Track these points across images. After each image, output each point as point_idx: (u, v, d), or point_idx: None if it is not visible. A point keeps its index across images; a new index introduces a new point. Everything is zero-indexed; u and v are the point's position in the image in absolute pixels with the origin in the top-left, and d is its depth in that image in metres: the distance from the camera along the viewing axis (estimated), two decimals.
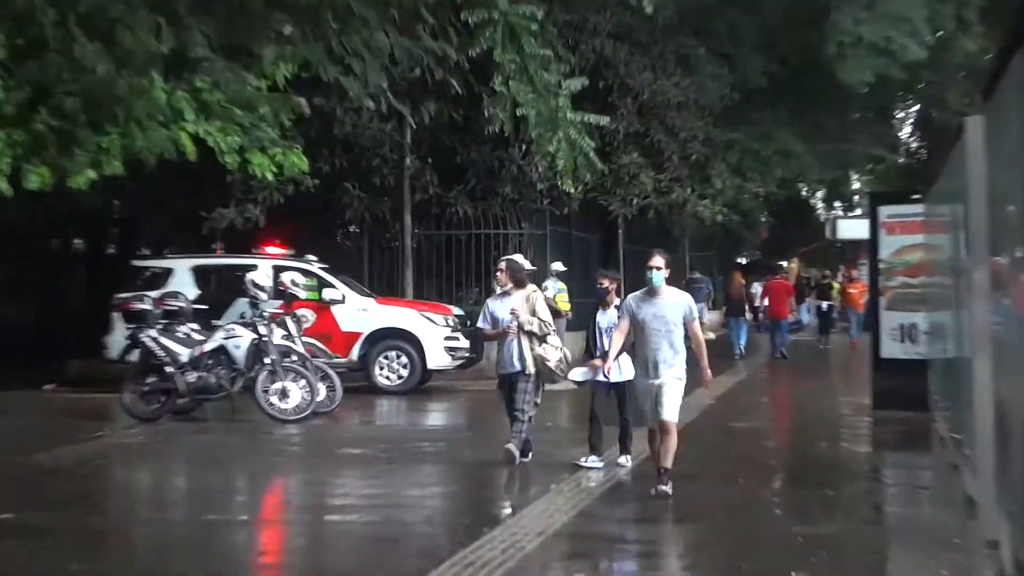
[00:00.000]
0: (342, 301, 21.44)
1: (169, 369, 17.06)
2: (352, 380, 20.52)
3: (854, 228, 42.59)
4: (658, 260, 11.37)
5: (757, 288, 35.72)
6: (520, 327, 12.85)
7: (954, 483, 11.18)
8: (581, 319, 13.80)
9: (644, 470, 12.05)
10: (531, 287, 13.37)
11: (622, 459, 12.88)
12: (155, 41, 13.19)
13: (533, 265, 20.54)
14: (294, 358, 17.43)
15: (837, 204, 58.16)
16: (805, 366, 28.81)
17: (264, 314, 17.48)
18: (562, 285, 24.05)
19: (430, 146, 25.82)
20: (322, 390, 17.44)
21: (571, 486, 11.82)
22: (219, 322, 18.72)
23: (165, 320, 17.63)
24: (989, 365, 8.56)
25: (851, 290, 34.04)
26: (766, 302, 31.76)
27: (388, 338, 21.44)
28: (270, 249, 22.15)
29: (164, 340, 17.28)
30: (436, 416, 19.88)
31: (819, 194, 57.70)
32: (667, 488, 11.01)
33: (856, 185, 56.10)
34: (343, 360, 20.86)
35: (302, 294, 19.43)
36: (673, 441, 11.23)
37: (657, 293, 11.43)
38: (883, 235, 17.67)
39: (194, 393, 17.22)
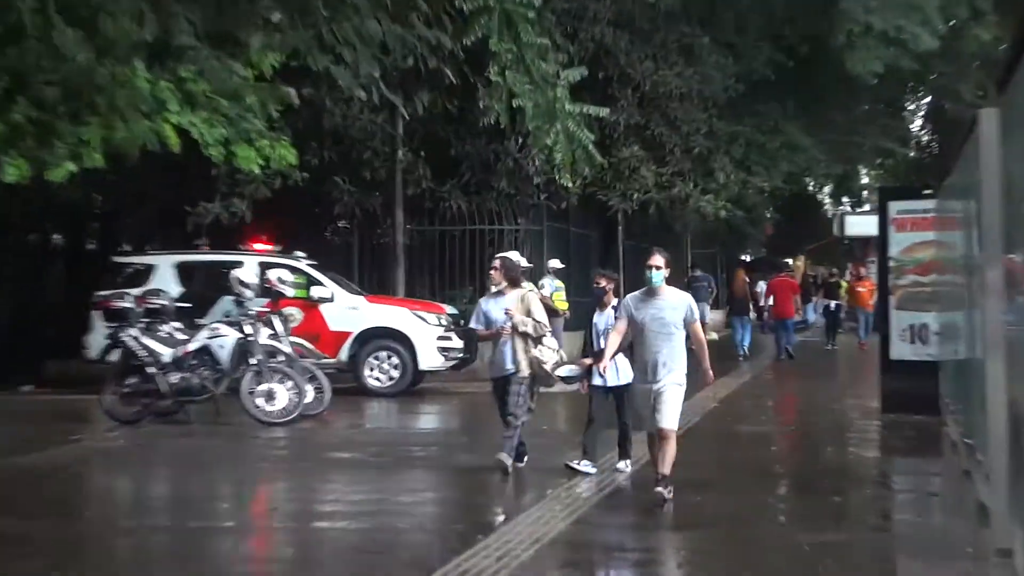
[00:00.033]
0: (331, 299, 21.44)
1: (151, 370, 17.04)
2: (341, 381, 20.52)
3: (863, 224, 42.63)
4: (658, 259, 11.34)
5: (762, 287, 35.73)
6: (514, 328, 12.81)
7: (966, 490, 11.18)
8: (579, 318, 13.82)
9: (644, 476, 12.04)
10: (527, 286, 13.35)
11: (621, 464, 12.87)
12: (138, 28, 13.16)
13: (529, 262, 20.57)
14: (281, 358, 17.42)
15: (845, 199, 58.21)
16: (811, 368, 28.84)
17: (250, 313, 17.46)
18: (559, 283, 24.06)
19: (423, 138, 25.80)
20: (310, 392, 17.42)
21: (567, 492, 11.81)
22: (203, 321, 18.70)
23: (147, 319, 17.61)
24: (1003, 367, 8.57)
25: (859, 289, 34.01)
26: (770, 301, 31.76)
27: (378, 338, 21.43)
28: (256, 245, 22.16)
29: (146, 340, 17.26)
30: (428, 419, 19.89)
31: (826, 189, 57.70)
32: (664, 492, 10.98)
33: (865, 180, 56.15)
34: (332, 361, 20.85)
35: (289, 292, 19.41)
36: (672, 449, 11.20)
37: (657, 293, 11.39)
38: (893, 232, 17.66)
39: (177, 395, 17.19)
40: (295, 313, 20.40)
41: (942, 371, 15.78)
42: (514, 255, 13.84)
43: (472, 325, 13.51)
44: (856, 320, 34.97)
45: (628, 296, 11.75)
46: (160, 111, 16.73)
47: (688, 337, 11.43)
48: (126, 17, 13.01)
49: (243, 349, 17.14)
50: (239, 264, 20.30)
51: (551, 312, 20.42)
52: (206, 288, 21.90)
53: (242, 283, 17.87)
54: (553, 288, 23.53)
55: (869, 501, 12.07)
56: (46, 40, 13.02)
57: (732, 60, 29.96)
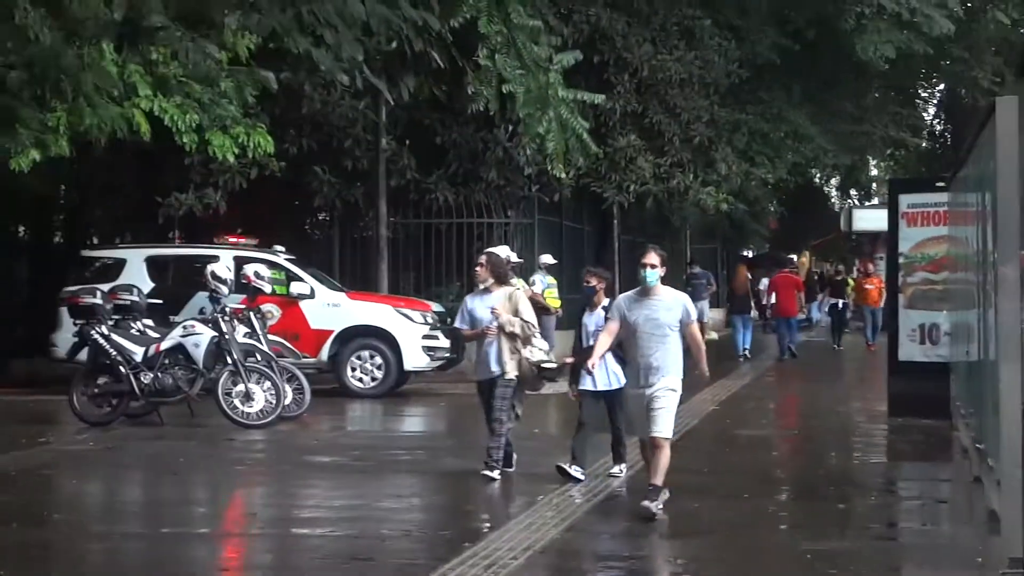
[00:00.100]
0: (311, 296, 21.47)
1: (122, 369, 17.08)
2: (322, 382, 20.59)
3: (872, 219, 42.66)
4: (652, 257, 11.28)
5: (765, 284, 35.81)
6: (500, 328, 12.80)
7: (976, 497, 11.27)
8: (572, 317, 13.88)
9: (639, 481, 12.10)
10: (515, 283, 13.35)
11: (616, 469, 12.93)
12: (106, 8, 13.19)
13: (520, 258, 20.68)
14: (258, 358, 17.46)
15: (853, 192, 58.30)
16: (816, 368, 28.94)
17: (226, 310, 17.49)
18: (551, 280, 24.10)
19: (408, 126, 25.85)
20: (289, 393, 17.46)
21: (560, 498, 11.89)
22: (176, 318, 18.76)
23: (117, 316, 17.66)
24: (1017, 369, 8.63)
25: (867, 286, 33.99)
26: (773, 299, 31.83)
27: (361, 336, 21.46)
28: (232, 239, 22.17)
29: (116, 337, 17.29)
30: (413, 421, 19.95)
31: (834, 181, 57.85)
32: (651, 506, 10.87)
33: (874, 172, 56.25)
34: (312, 360, 20.88)
35: (267, 288, 19.45)
36: (665, 458, 11.14)
37: (651, 293, 11.33)
38: (903, 226, 17.69)
39: (149, 395, 17.22)
40: (273, 310, 20.43)
41: (953, 373, 15.85)
42: (502, 250, 13.88)
43: (456, 324, 13.52)
44: (863, 319, 35.00)
45: (621, 296, 11.75)
46: (130, 96, 16.78)
47: (684, 340, 11.40)
48: None
49: (219, 348, 17.16)
50: (214, 258, 20.33)
51: (543, 310, 20.52)
52: (179, 284, 21.95)
53: (217, 278, 17.90)
54: (545, 285, 23.57)
55: (874, 508, 12.15)
56: (9, 20, 13.03)
57: (735, 44, 29.98)
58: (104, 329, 17.31)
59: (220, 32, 15.15)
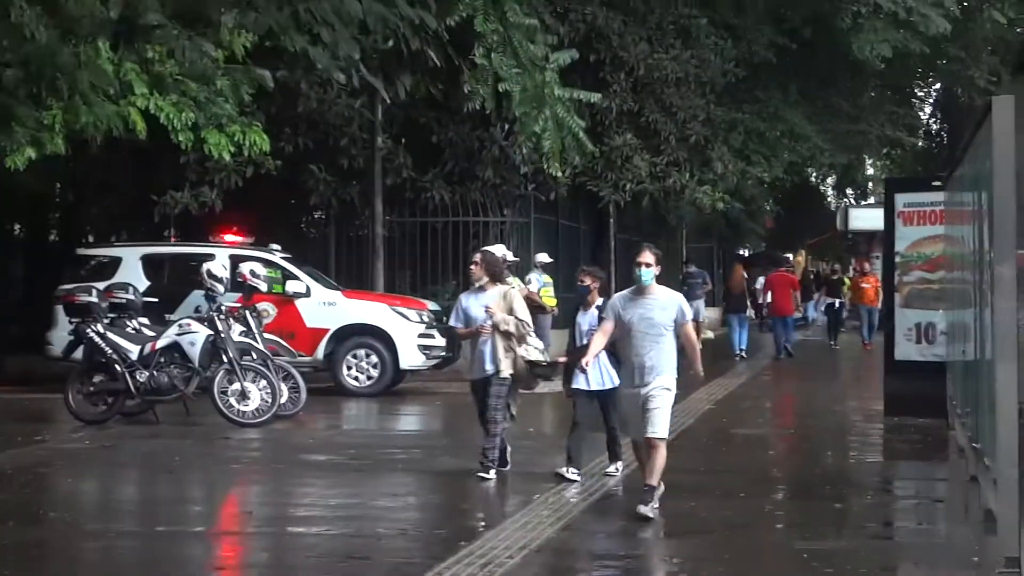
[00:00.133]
0: (307, 294, 21.46)
1: (118, 368, 17.07)
2: (317, 380, 20.58)
3: (868, 218, 42.76)
4: (648, 256, 11.25)
5: (761, 283, 35.81)
6: (495, 327, 12.77)
7: (972, 496, 11.28)
8: (568, 316, 13.88)
9: (635, 480, 12.09)
10: (510, 282, 13.34)
11: (611, 468, 12.93)
12: (102, 6, 13.19)
13: (516, 256, 20.66)
14: (254, 356, 17.46)
15: (849, 191, 58.35)
16: (812, 368, 28.95)
17: (221, 308, 17.49)
18: (547, 278, 24.10)
19: (403, 125, 25.84)
20: (285, 391, 17.46)
21: (555, 497, 11.89)
22: (172, 316, 18.73)
23: (113, 314, 17.65)
24: (1013, 368, 8.65)
25: (863, 285, 34.02)
26: (768, 297, 31.83)
27: (357, 335, 21.46)
28: (228, 237, 22.16)
29: (112, 336, 17.29)
30: (409, 420, 19.96)
31: (830, 180, 57.89)
32: (647, 510, 10.82)
33: (870, 171, 56.29)
34: (308, 359, 20.88)
35: (263, 286, 19.42)
36: (661, 458, 11.10)
37: (646, 292, 11.31)
38: (899, 225, 17.70)
39: (145, 394, 17.22)
40: (269, 309, 20.38)
41: (949, 372, 15.87)
42: (498, 249, 13.86)
43: (451, 322, 13.51)
44: (859, 318, 35.01)
45: (616, 295, 11.72)
46: (126, 94, 16.77)
47: (679, 340, 11.38)
48: None
49: (214, 347, 17.16)
50: (210, 257, 20.32)
51: (539, 309, 20.54)
52: (175, 282, 21.93)
53: (213, 277, 17.89)
54: (541, 284, 23.56)
55: (871, 507, 12.15)
56: (4, 18, 13.03)
57: (731, 43, 30.00)
58: (100, 327, 17.31)
59: (217, 30, 15.14)
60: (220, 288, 17.85)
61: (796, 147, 34.18)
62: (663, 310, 11.25)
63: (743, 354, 30.24)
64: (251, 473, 14.15)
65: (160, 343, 17.25)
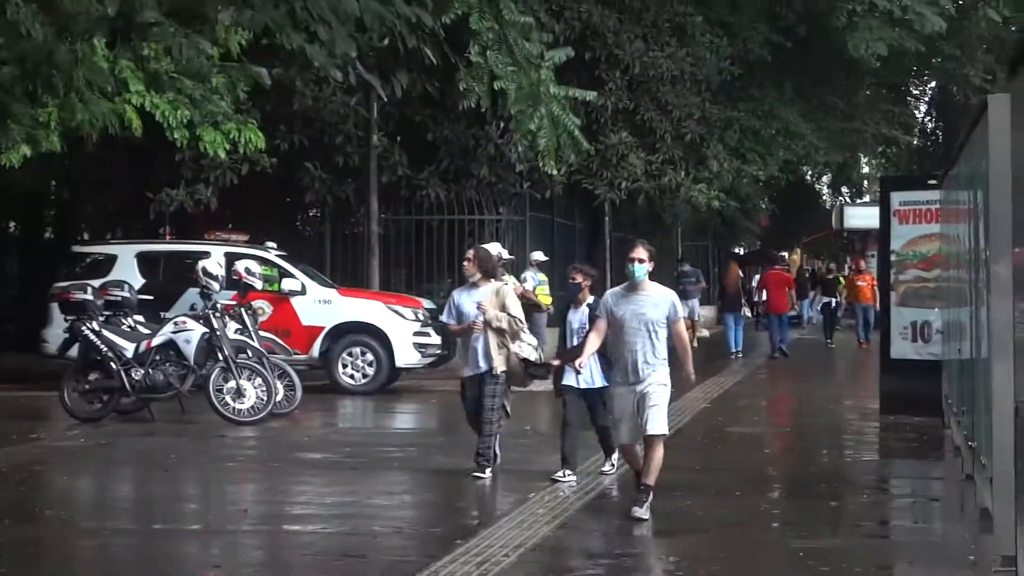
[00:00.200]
0: (302, 292, 21.45)
1: (113, 365, 17.06)
2: (313, 379, 20.57)
3: (863, 216, 42.75)
4: (640, 252, 11.14)
5: (757, 281, 35.83)
6: (487, 323, 12.75)
7: (968, 495, 11.30)
8: (562, 314, 13.88)
9: (630, 478, 12.06)
10: (504, 279, 13.32)
11: (607, 466, 12.92)
12: (99, 4, 13.18)
13: (511, 254, 20.66)
14: (249, 354, 17.45)
15: (845, 190, 58.39)
16: (808, 366, 28.96)
17: (217, 306, 17.49)
18: (543, 276, 24.08)
19: (399, 123, 25.82)
20: (280, 389, 17.44)
21: (551, 495, 11.89)
22: (167, 314, 18.72)
23: (108, 311, 17.64)
24: (1009, 367, 8.65)
25: (859, 283, 34.00)
26: (763, 295, 31.84)
27: (352, 333, 21.45)
28: (223, 235, 22.15)
29: (107, 333, 17.28)
30: (405, 418, 19.95)
31: (825, 179, 57.87)
32: (642, 512, 10.79)
33: (866, 169, 56.34)
34: (303, 357, 20.87)
35: (258, 284, 19.44)
36: (659, 457, 11.00)
37: (638, 288, 11.20)
38: (895, 224, 17.73)
39: (140, 392, 17.21)
40: (264, 306, 20.42)
41: (945, 371, 15.89)
42: (493, 247, 13.87)
43: (443, 319, 13.50)
44: (855, 317, 34.99)
45: (608, 292, 11.62)
46: (121, 92, 16.74)
47: (671, 337, 11.27)
48: None
49: (210, 344, 17.16)
50: (205, 255, 20.33)
51: (534, 307, 20.53)
52: (170, 280, 21.93)
53: (208, 275, 17.88)
54: (536, 282, 23.54)
55: (866, 506, 12.16)
56: (1, 15, 13.02)
57: (726, 41, 29.97)
58: (95, 325, 17.29)
59: (213, 28, 15.13)
60: (215, 286, 17.84)
61: (791, 145, 34.14)
62: (656, 306, 11.15)
63: (739, 353, 30.24)
64: (247, 471, 14.14)
65: (155, 341, 17.25)
